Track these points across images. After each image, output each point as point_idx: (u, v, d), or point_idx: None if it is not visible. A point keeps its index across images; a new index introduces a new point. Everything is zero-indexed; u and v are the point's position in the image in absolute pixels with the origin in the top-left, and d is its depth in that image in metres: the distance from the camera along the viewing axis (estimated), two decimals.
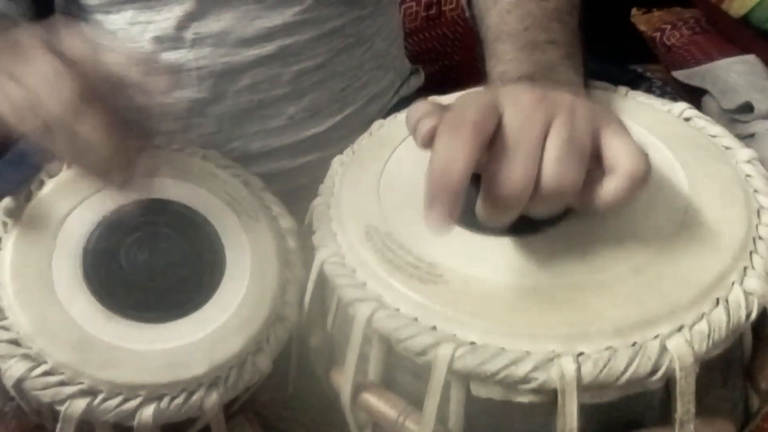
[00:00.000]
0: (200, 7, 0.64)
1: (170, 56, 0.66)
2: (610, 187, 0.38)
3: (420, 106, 0.40)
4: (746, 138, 0.99)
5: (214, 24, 0.65)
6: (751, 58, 1.11)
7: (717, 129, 0.48)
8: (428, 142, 0.38)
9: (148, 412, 0.42)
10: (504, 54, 0.51)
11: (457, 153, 0.36)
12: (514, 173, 0.36)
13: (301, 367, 0.50)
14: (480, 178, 0.38)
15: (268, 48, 0.66)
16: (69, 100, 0.41)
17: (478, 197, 0.38)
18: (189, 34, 0.65)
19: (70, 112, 0.41)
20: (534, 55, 0.49)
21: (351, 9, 0.71)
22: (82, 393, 0.41)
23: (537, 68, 0.48)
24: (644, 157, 0.38)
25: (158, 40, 0.65)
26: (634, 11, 1.33)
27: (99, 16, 0.67)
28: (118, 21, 0.66)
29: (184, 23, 0.65)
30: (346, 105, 0.73)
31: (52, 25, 0.45)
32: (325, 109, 0.71)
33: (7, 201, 0.46)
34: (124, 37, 0.66)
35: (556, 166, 0.37)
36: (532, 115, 0.38)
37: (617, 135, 0.38)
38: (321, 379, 0.47)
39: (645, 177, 0.37)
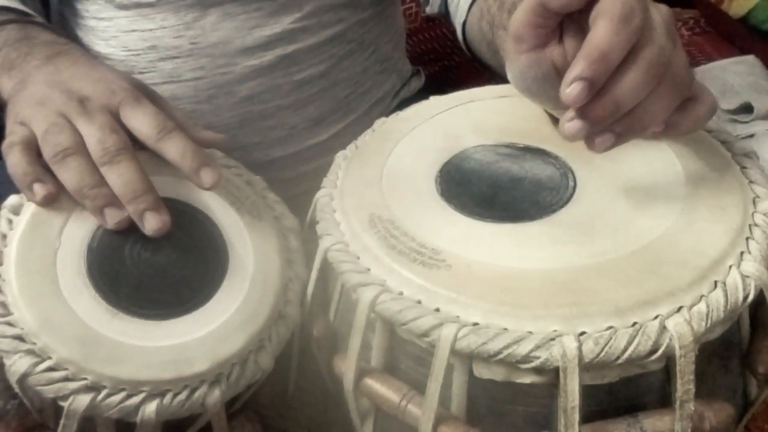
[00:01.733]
0: (197, 16, 0.63)
1: (166, 66, 0.65)
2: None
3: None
4: (746, 138, 0.99)
5: (211, 34, 0.64)
6: (750, 59, 1.11)
7: (714, 124, 0.50)
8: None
9: (151, 408, 0.42)
10: None
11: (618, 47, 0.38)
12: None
13: (303, 366, 0.51)
14: None
15: (268, 57, 0.65)
16: (114, 148, 0.45)
17: None
18: (186, 44, 0.64)
19: (109, 157, 0.45)
20: None
21: (351, 13, 0.70)
22: (86, 389, 0.41)
23: None
24: None
25: (154, 49, 0.64)
26: None
27: (92, 23, 0.66)
28: (110, 29, 0.65)
29: (180, 32, 0.64)
30: (350, 112, 0.72)
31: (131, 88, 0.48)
32: (329, 117, 0.70)
33: (13, 198, 0.47)
34: (118, 44, 0.65)
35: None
36: None
37: None
38: (323, 370, 0.47)
39: None
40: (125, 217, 0.45)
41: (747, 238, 0.41)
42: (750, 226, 0.42)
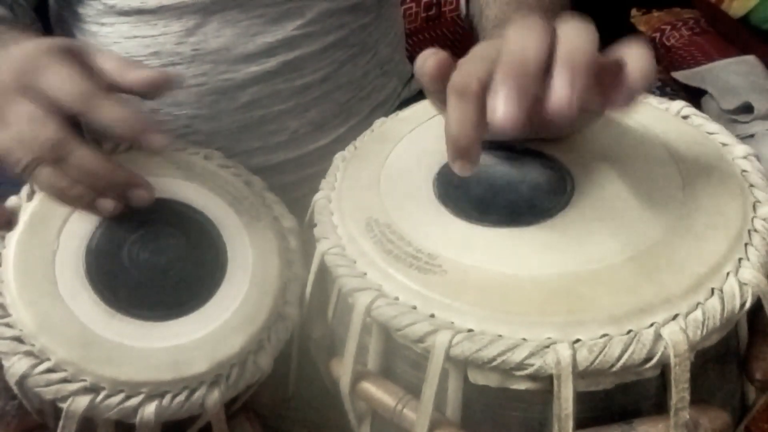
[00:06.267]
0: (199, 22, 0.63)
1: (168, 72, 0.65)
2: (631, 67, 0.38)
3: (428, 51, 0.42)
4: (746, 138, 1.00)
5: (213, 40, 0.64)
6: (750, 59, 1.11)
7: (714, 126, 0.50)
8: (435, 71, 0.40)
9: (150, 410, 0.42)
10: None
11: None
12: (530, 34, 0.37)
13: (302, 366, 0.51)
14: None
15: (270, 64, 0.65)
16: (52, 141, 0.43)
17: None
18: (188, 50, 0.64)
19: (54, 152, 0.43)
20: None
21: (354, 17, 0.69)
22: (85, 390, 0.41)
23: None
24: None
25: (156, 55, 0.64)
26: (633, 12, 1.33)
27: (93, 27, 0.66)
28: (112, 34, 0.65)
29: (182, 39, 0.64)
30: (351, 116, 0.72)
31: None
32: (330, 121, 0.70)
33: (11, 200, 0.47)
34: (119, 50, 0.65)
35: (576, 37, 0.38)
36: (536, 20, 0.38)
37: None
38: (321, 372, 0.48)
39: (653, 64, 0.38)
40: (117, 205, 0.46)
41: (746, 244, 0.41)
42: (749, 231, 0.42)
